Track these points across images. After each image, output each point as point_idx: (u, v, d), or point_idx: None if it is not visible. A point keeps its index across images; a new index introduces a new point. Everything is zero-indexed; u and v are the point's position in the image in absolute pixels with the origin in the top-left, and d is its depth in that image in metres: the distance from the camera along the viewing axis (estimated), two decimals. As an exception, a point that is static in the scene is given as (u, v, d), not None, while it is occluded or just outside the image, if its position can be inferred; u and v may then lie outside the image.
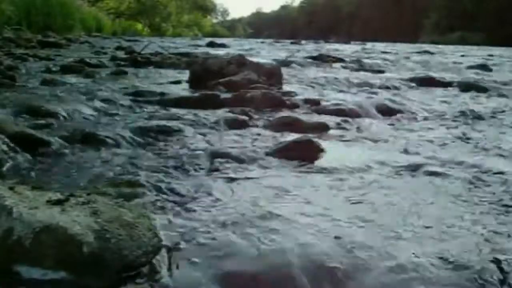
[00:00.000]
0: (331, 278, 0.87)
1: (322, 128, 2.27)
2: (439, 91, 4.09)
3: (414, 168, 1.61)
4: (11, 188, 0.99)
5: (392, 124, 2.53)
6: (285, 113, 2.63)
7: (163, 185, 1.35)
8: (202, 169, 1.54)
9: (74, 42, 11.12)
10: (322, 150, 1.80)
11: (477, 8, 39.55)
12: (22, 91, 3.21)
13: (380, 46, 17.37)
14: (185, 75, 4.15)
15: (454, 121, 2.67)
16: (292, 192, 1.34)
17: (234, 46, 12.57)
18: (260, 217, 1.12)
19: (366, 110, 2.79)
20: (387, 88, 4.13)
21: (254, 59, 4.25)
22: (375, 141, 2.08)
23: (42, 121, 2.16)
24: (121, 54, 7.47)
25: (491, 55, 10.96)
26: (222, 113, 2.50)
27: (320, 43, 18.92)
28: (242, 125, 2.27)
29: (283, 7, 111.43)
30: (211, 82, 3.57)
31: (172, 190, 1.31)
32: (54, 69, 4.75)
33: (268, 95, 2.96)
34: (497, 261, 0.95)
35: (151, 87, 3.58)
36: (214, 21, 75.41)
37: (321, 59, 7.18)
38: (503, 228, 1.12)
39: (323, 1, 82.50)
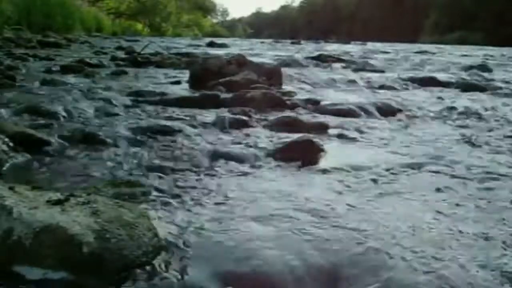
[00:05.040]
0: (327, 282, 0.87)
1: (322, 128, 2.27)
2: (439, 91, 4.09)
3: (413, 168, 1.61)
4: (11, 188, 0.99)
5: (392, 124, 2.52)
6: (285, 113, 2.63)
7: (163, 185, 1.35)
8: (202, 169, 1.54)
9: (74, 42, 11.12)
10: (322, 150, 1.80)
11: (477, 8, 39.54)
12: (22, 91, 3.21)
13: (380, 46, 17.36)
14: (185, 75, 4.15)
15: (454, 121, 2.67)
16: (292, 192, 1.34)
17: (234, 46, 12.57)
18: (260, 218, 1.13)
19: (366, 110, 2.79)
20: (387, 88, 4.13)
21: (254, 59, 4.25)
22: (375, 141, 2.08)
23: (42, 121, 2.16)
24: (121, 54, 7.47)
25: (491, 55, 10.95)
26: (222, 113, 2.50)
27: (320, 43, 18.91)
28: (242, 125, 2.27)
29: (283, 7, 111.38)
30: (211, 82, 3.57)
31: (172, 190, 1.31)
32: (54, 69, 4.75)
33: (268, 95, 2.96)
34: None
35: (151, 87, 3.58)
36: (214, 21, 75.39)
37: (321, 59, 7.17)
38: (502, 225, 1.13)
39: (323, 1, 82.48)
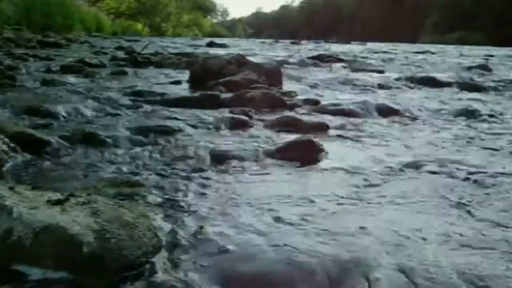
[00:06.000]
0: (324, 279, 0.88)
1: (322, 128, 2.27)
2: (439, 91, 4.09)
3: (413, 168, 1.61)
4: (11, 188, 0.99)
5: (392, 124, 2.52)
6: (285, 113, 2.63)
7: (163, 185, 1.35)
8: (202, 169, 1.54)
9: (74, 42, 11.11)
10: (322, 150, 1.80)
11: (477, 8, 39.54)
12: (22, 91, 3.21)
13: (380, 46, 17.36)
14: (185, 75, 4.15)
15: (454, 121, 2.67)
16: (292, 192, 1.34)
17: (234, 46, 12.57)
18: (260, 218, 1.13)
19: (366, 110, 2.78)
20: (387, 88, 4.13)
21: (254, 59, 4.25)
22: (375, 141, 2.08)
23: (42, 121, 2.16)
24: (121, 54, 7.47)
25: (491, 55, 10.95)
26: (222, 113, 2.50)
27: (320, 43, 18.92)
28: (242, 125, 2.27)
29: (283, 7, 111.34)
30: (211, 82, 3.57)
31: (172, 190, 1.31)
32: (54, 69, 4.75)
33: (268, 95, 2.96)
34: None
35: (151, 87, 3.58)
36: (214, 21, 75.33)
37: (321, 59, 7.17)
38: (501, 224, 1.13)
39: (323, 1, 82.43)
